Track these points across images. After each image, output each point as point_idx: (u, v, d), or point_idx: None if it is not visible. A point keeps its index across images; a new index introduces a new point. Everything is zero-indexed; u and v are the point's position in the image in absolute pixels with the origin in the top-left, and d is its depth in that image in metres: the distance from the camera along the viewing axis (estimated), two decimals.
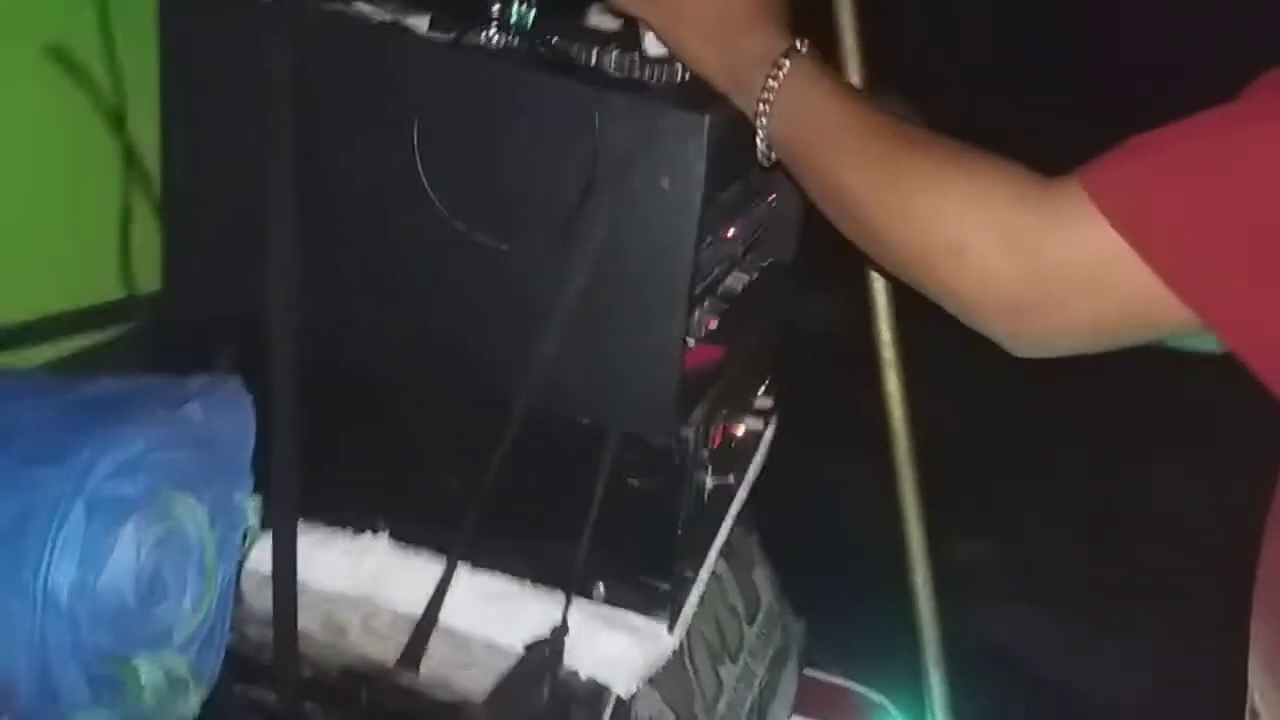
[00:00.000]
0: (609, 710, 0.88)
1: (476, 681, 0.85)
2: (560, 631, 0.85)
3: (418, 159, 0.83)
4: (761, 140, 0.79)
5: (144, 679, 0.76)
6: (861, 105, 0.76)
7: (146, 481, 0.71)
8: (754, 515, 1.36)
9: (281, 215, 0.83)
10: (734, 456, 1.01)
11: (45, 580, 0.63)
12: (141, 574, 0.72)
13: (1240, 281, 0.62)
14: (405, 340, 0.88)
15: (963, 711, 1.46)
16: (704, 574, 1.01)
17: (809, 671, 1.42)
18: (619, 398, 0.85)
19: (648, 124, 0.78)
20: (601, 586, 0.90)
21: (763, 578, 1.33)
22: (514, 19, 0.86)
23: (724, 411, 0.95)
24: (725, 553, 1.24)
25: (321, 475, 0.90)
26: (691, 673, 1.09)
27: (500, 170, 0.83)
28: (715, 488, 0.94)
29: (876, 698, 1.41)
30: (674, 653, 1.05)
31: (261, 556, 0.87)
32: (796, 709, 1.32)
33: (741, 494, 1.10)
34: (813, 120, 0.76)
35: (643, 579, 0.90)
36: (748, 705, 1.18)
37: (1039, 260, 0.66)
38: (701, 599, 1.14)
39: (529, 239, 0.83)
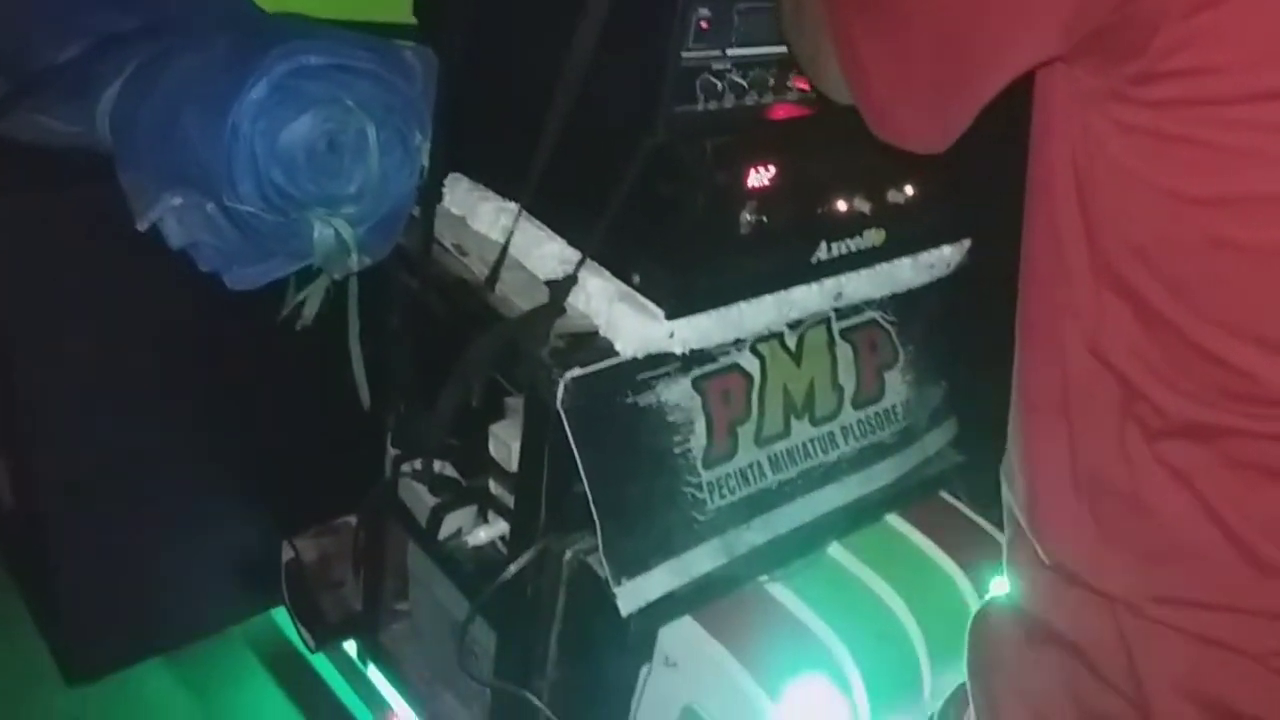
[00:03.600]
0: (615, 360, 1.12)
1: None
2: (569, 280, 1.11)
3: None
4: None
5: (316, 232, 1.17)
6: None
7: (327, 89, 1.11)
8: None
9: None
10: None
11: (233, 118, 1.05)
12: (315, 150, 1.12)
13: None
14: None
15: None
16: (746, 308, 1.18)
17: (949, 499, 1.48)
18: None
19: None
20: (637, 277, 1.14)
21: (900, 384, 1.42)
22: None
23: None
24: (853, 340, 1.38)
25: (489, 147, 1.24)
26: (755, 403, 1.27)
27: None
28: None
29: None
30: (741, 376, 1.25)
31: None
32: (910, 518, 1.41)
33: None
34: None
35: (660, 273, 1.11)
36: (815, 463, 1.32)
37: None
38: (795, 356, 1.31)
39: None
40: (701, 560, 1.19)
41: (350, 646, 1.73)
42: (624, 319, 1.11)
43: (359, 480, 1.52)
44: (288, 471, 1.55)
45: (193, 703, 1.85)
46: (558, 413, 1.10)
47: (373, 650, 1.64)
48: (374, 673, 1.68)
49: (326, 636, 1.64)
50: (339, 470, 1.53)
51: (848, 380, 1.37)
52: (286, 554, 1.61)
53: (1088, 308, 0.70)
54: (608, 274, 1.15)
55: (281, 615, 1.88)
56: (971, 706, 0.85)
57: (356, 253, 1.21)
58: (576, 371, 1.09)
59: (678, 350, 1.15)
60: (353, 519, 1.63)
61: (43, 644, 1.64)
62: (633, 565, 1.14)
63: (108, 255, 1.25)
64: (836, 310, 1.35)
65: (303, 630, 1.65)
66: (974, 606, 1.28)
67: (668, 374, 1.19)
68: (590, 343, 1.12)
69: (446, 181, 1.29)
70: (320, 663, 1.88)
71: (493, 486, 1.31)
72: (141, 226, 1.12)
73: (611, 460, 1.14)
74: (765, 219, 1.13)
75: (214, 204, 1.13)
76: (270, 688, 1.88)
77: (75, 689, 1.75)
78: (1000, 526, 0.88)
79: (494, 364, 1.15)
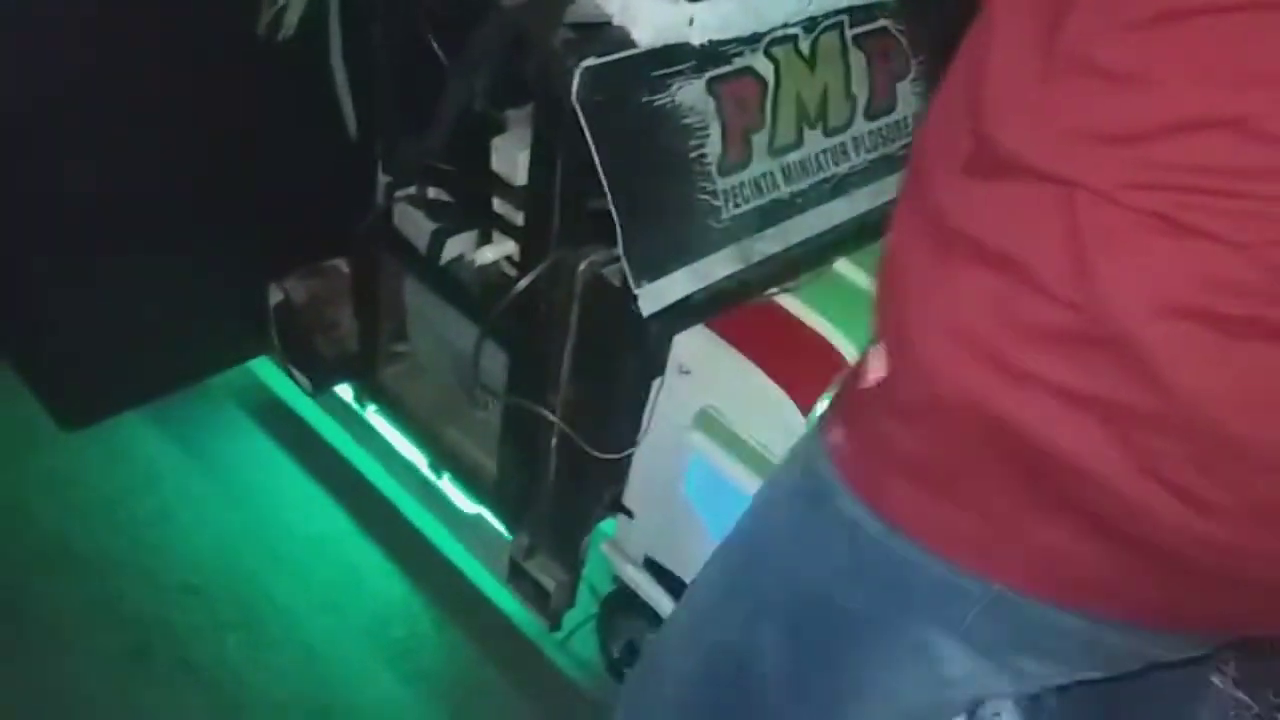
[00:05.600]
0: (631, 51, 1.06)
1: None
2: None
3: None
4: None
5: None
6: None
7: None
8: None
9: None
10: None
11: None
12: None
13: None
14: None
15: None
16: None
17: None
18: None
19: None
20: None
21: (911, 95, 1.38)
22: None
23: None
24: (866, 48, 1.32)
25: None
26: (769, 110, 1.22)
27: None
28: None
29: None
30: (755, 80, 1.20)
31: None
32: None
33: None
34: None
35: None
36: (827, 174, 1.30)
37: None
38: (809, 61, 1.26)
39: None
40: (717, 266, 1.17)
41: (345, 391, 1.72)
42: (640, 4, 1.04)
43: (346, 220, 1.47)
44: (272, 211, 1.49)
45: (184, 454, 1.85)
46: (572, 107, 1.04)
47: (371, 391, 1.63)
48: (372, 415, 1.69)
49: (323, 379, 1.63)
50: (324, 210, 1.48)
51: (861, 89, 1.32)
52: (275, 296, 1.57)
53: None
54: None
55: (263, 366, 1.86)
56: (880, 347, 0.73)
57: None
58: (592, 61, 1.03)
59: (696, 40, 1.09)
60: (341, 262, 1.59)
61: (35, 405, 1.62)
62: (652, 268, 1.11)
63: None
64: (850, 14, 1.29)
65: (297, 374, 1.63)
66: None
67: (683, 73, 1.13)
68: (604, 33, 1.06)
69: None
70: (308, 410, 1.88)
71: (497, 205, 1.27)
72: None
73: (629, 159, 1.09)
74: None
75: None
76: (260, 437, 1.89)
77: (69, 449, 1.75)
78: None
79: (500, 56, 1.08)
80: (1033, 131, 0.61)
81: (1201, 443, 0.60)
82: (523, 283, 1.19)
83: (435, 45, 1.19)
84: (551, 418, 1.28)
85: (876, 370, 0.73)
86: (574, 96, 1.04)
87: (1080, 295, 0.60)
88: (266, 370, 1.88)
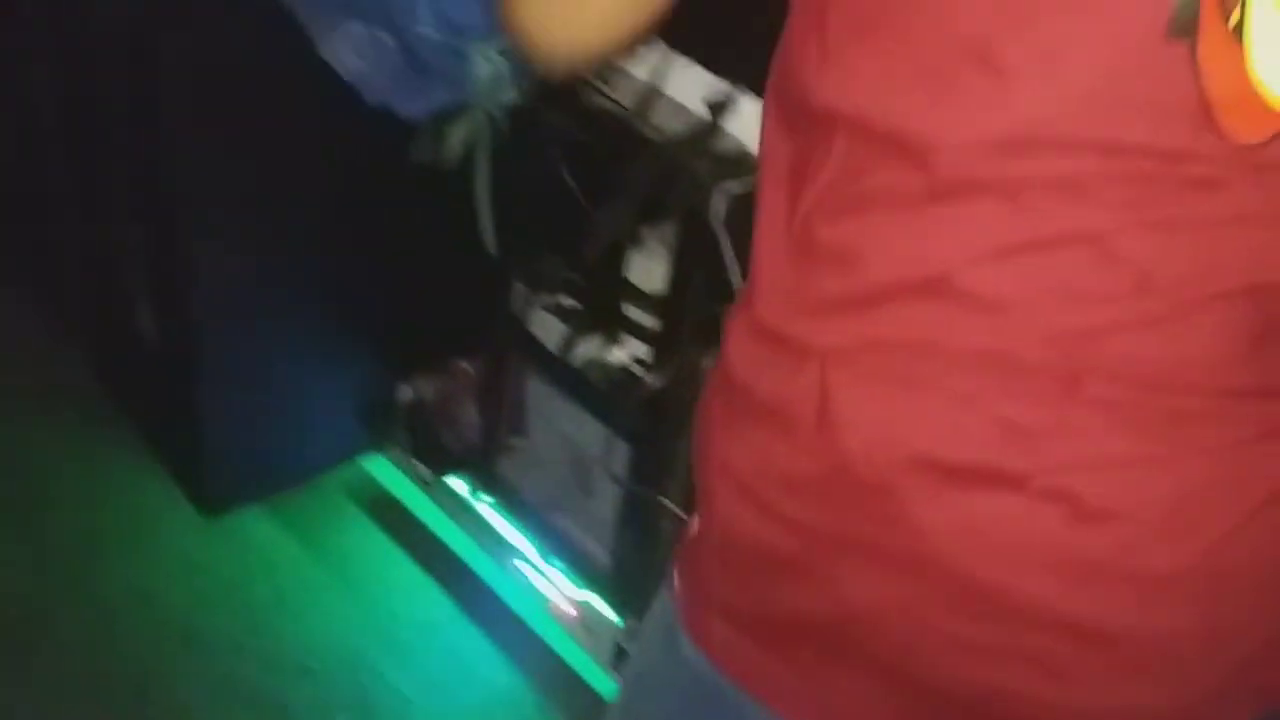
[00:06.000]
0: None
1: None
2: (727, 99, 1.20)
3: None
4: None
5: (477, 63, 1.25)
6: None
7: None
8: None
9: None
10: None
11: None
12: None
13: None
14: None
15: None
16: None
17: None
18: None
19: None
20: None
21: None
22: None
23: None
24: None
25: None
26: None
27: None
28: None
29: None
30: None
31: None
32: None
33: None
34: None
35: None
36: None
37: None
38: None
39: None
40: None
41: (459, 486, 1.85)
42: None
43: (471, 325, 1.62)
44: (405, 314, 1.65)
45: (299, 544, 1.96)
46: (713, 229, 1.20)
47: (485, 483, 1.76)
48: (484, 507, 1.80)
49: (444, 467, 1.76)
50: (452, 316, 1.64)
51: None
52: (405, 394, 1.72)
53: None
54: (760, 99, 1.24)
55: (376, 464, 2.00)
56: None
57: (510, 85, 1.29)
58: (734, 186, 1.19)
59: None
60: (464, 363, 1.74)
61: (164, 493, 1.74)
62: None
63: (268, 88, 1.32)
64: None
65: (419, 465, 1.77)
66: None
67: None
68: (748, 163, 1.22)
69: None
70: (422, 506, 2.00)
71: (629, 311, 1.42)
72: (324, 53, 1.20)
73: None
74: None
75: (388, 33, 1.21)
76: (371, 529, 2.00)
77: (196, 536, 1.87)
78: None
79: (651, 185, 1.24)
80: (784, 306, 0.67)
81: (954, 586, 0.62)
82: (655, 380, 1.33)
83: (569, 178, 1.36)
84: (672, 506, 1.40)
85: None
86: (715, 217, 1.19)
87: (825, 446, 0.64)
88: (378, 466, 2.01)
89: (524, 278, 1.52)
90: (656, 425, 1.38)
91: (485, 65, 1.26)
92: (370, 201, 1.53)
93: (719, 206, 1.19)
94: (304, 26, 1.22)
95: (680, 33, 1.26)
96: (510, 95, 1.30)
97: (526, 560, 1.75)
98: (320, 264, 1.57)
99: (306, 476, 1.82)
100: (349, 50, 1.21)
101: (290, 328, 1.59)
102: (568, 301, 1.48)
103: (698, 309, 1.29)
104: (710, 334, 1.34)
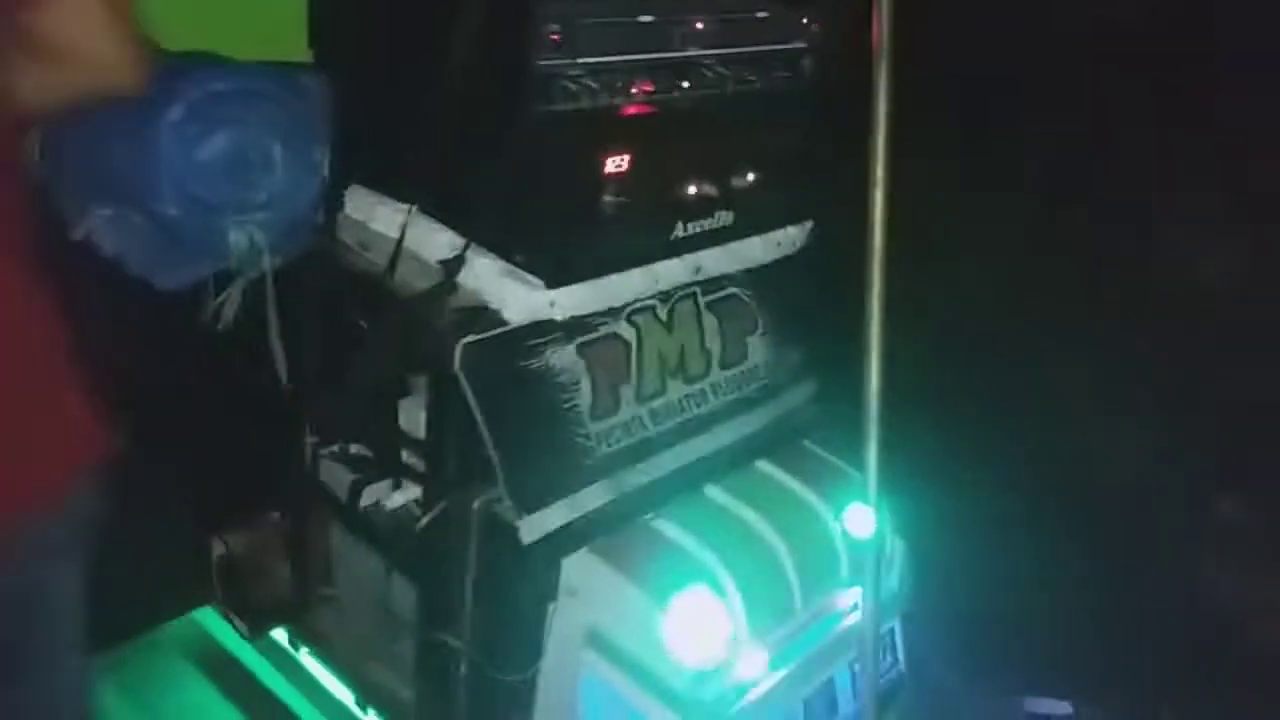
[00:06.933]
0: (505, 328, 1.30)
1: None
2: (459, 258, 1.29)
3: None
4: None
5: (232, 236, 1.33)
6: None
7: (234, 111, 1.27)
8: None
9: None
10: None
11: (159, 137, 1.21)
12: (227, 164, 1.28)
13: None
14: None
15: None
16: (616, 279, 1.37)
17: (811, 445, 1.68)
18: None
19: None
20: (519, 256, 1.32)
21: (761, 347, 1.63)
22: None
23: None
24: (719, 314, 1.58)
25: (382, 160, 1.42)
26: (633, 366, 1.46)
27: None
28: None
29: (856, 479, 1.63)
30: (619, 343, 1.44)
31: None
32: (776, 461, 1.60)
33: None
34: None
35: (538, 250, 1.30)
36: (690, 415, 1.52)
37: None
38: (667, 325, 1.51)
39: None
40: (593, 497, 1.37)
41: (280, 635, 1.85)
42: (510, 291, 1.30)
43: (276, 477, 1.66)
44: (211, 471, 1.68)
45: (134, 708, 1.94)
46: (455, 375, 1.27)
47: (304, 634, 1.77)
48: (305, 657, 1.81)
49: (261, 624, 1.77)
50: (258, 467, 1.67)
51: (714, 344, 1.58)
52: (217, 549, 1.74)
53: None
54: (493, 255, 1.33)
55: (205, 615, 1.99)
56: None
57: (268, 253, 1.37)
58: (471, 338, 1.27)
59: (558, 316, 1.33)
60: (275, 514, 1.77)
61: None
62: (532, 501, 1.31)
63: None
64: (702, 285, 1.56)
65: (237, 621, 1.77)
66: (833, 527, 1.50)
67: (553, 341, 1.37)
68: (482, 315, 1.30)
69: (347, 192, 1.46)
70: (250, 657, 1.99)
71: (404, 456, 1.47)
72: (76, 236, 1.27)
73: (507, 415, 1.31)
74: (626, 201, 1.33)
75: (140, 214, 1.28)
76: (205, 686, 1.98)
77: None
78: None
79: (399, 339, 1.32)
80: None
81: None
82: (424, 520, 1.38)
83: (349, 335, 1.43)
84: (456, 644, 1.43)
85: None
86: (457, 367, 1.27)
87: None
88: (207, 618, 2.01)
89: (313, 423, 1.57)
90: (435, 564, 1.42)
91: (242, 235, 1.34)
92: (163, 363, 1.58)
93: (459, 357, 1.27)
94: (60, 209, 1.29)
95: (429, 198, 1.37)
96: (267, 261, 1.38)
97: (347, 709, 1.75)
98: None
99: (131, 634, 1.81)
100: (103, 230, 1.29)
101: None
102: (353, 448, 1.53)
103: (458, 450, 1.36)
104: (471, 474, 1.42)
